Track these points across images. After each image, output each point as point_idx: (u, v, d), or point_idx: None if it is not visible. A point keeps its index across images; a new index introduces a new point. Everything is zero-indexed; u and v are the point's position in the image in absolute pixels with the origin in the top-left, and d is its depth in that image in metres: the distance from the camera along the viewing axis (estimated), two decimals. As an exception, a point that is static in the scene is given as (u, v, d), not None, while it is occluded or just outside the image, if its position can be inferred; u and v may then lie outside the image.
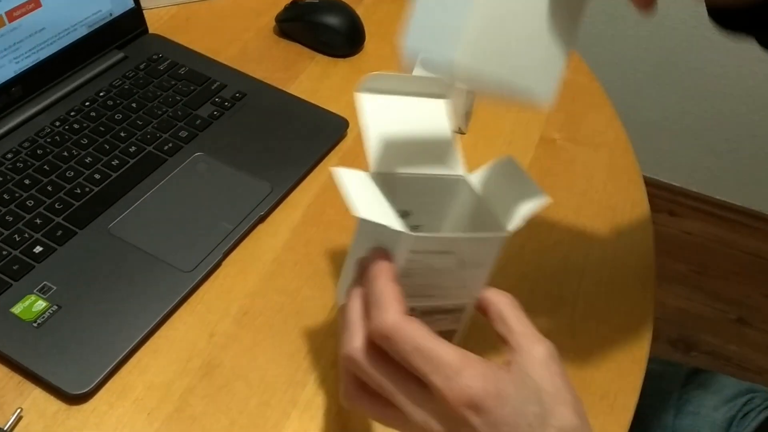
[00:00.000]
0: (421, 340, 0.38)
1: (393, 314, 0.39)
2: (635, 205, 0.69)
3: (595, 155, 0.73)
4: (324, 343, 0.54)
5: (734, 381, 0.80)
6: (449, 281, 0.44)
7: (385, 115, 0.46)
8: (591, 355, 0.57)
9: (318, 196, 0.65)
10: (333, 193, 0.65)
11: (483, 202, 0.47)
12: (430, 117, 0.48)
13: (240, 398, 0.51)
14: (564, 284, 0.61)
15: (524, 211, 0.44)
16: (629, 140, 0.76)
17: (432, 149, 0.48)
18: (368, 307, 0.40)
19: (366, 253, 0.43)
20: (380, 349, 0.39)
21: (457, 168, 0.48)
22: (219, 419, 0.50)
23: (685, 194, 1.81)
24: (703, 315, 1.64)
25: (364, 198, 0.41)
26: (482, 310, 0.44)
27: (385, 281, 0.40)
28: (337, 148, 0.70)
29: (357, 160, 0.69)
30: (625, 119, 0.79)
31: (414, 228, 0.47)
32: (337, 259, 0.60)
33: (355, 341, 0.40)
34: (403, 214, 0.46)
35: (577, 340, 0.58)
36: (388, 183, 0.45)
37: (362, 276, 0.42)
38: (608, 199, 0.69)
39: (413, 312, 0.41)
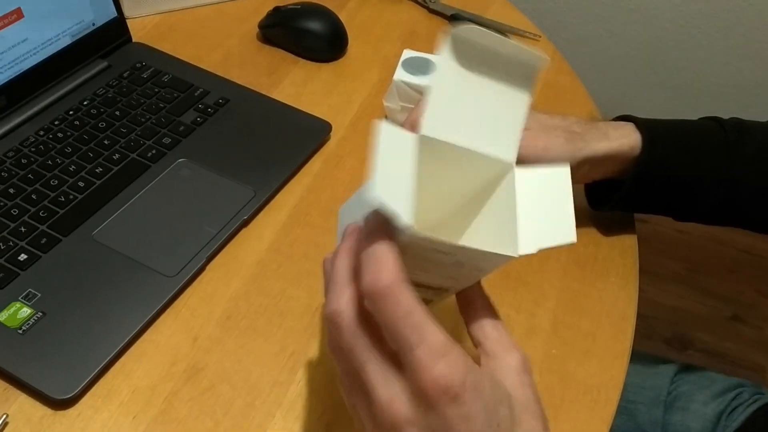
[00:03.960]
0: (414, 310, 0.35)
1: (393, 273, 0.35)
2: (617, 202, 0.69)
3: (577, 153, 0.74)
4: (308, 343, 0.55)
5: (723, 376, 0.81)
6: (442, 271, 0.41)
7: (458, 80, 0.40)
8: (573, 350, 0.57)
9: (302, 199, 0.65)
10: (316, 195, 0.66)
11: (515, 203, 0.42)
12: (504, 99, 0.42)
13: (224, 400, 0.51)
14: (547, 280, 0.62)
15: (545, 240, 0.41)
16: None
17: (493, 129, 0.42)
18: (362, 264, 0.36)
19: (369, 210, 0.39)
20: (365, 314, 0.37)
21: (509, 155, 0.42)
22: (204, 421, 0.50)
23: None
24: (697, 313, 1.65)
25: (390, 166, 0.37)
26: (460, 305, 0.44)
27: (388, 242, 0.36)
28: (321, 151, 0.70)
29: (340, 163, 0.70)
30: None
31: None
32: (320, 260, 0.61)
33: (341, 300, 0.37)
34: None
35: (559, 336, 0.58)
36: (433, 148, 0.40)
37: (358, 233, 0.39)
38: (591, 196, 0.70)
39: None
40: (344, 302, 0.37)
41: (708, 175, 0.62)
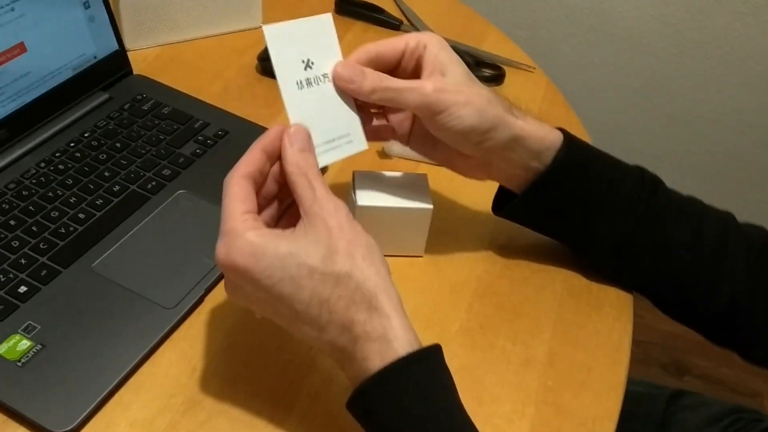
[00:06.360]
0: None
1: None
2: (612, 233, 0.70)
3: (571, 184, 0.75)
4: (304, 377, 0.55)
5: (719, 402, 0.81)
6: None
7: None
8: (569, 382, 0.58)
9: (299, 230, 0.66)
10: (314, 227, 0.67)
11: None
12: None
13: (222, 433, 0.52)
14: (542, 312, 0.62)
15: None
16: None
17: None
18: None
19: None
20: None
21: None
22: (201, 454, 0.50)
23: (672, 218, 1.83)
24: (694, 338, 1.64)
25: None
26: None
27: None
28: (319, 182, 0.71)
29: (337, 195, 0.70)
30: (609, 147, 0.81)
31: None
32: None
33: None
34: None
35: (555, 367, 0.58)
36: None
37: None
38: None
39: None
40: None
41: (606, 213, 0.61)
